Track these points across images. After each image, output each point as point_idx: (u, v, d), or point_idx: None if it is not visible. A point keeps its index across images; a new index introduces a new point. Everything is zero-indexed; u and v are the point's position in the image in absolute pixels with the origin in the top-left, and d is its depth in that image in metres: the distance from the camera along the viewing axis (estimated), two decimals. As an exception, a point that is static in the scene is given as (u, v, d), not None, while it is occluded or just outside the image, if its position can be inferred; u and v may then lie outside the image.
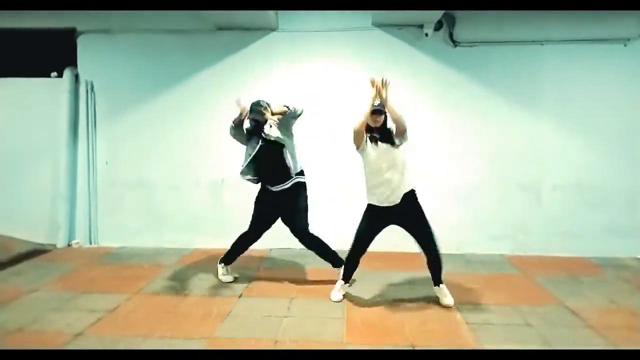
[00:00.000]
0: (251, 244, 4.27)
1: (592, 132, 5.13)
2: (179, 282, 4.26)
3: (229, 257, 4.31)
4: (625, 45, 5.01)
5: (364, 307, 3.71)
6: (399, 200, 3.55)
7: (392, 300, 3.85)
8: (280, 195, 4.03)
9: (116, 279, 4.37)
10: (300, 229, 4.05)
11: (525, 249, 5.20)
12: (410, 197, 3.59)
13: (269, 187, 4.07)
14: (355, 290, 3.99)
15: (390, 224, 3.67)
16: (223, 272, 4.30)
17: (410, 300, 3.80)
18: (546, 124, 5.17)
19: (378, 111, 3.54)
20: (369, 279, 4.26)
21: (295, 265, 4.76)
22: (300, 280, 4.32)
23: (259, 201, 4.20)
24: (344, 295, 3.86)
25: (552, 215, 5.21)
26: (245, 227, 5.35)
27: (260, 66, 5.31)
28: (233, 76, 5.35)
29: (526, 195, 5.23)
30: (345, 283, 3.87)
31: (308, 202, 4.10)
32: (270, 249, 5.24)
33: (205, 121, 5.41)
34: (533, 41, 5.07)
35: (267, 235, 5.25)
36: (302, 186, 4.08)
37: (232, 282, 4.25)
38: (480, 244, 5.22)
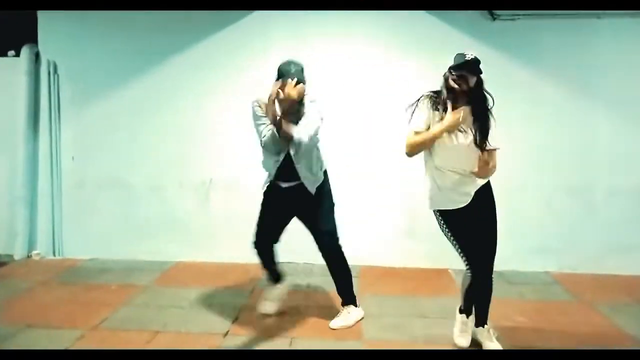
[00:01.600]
0: (272, 246, 3.25)
1: (658, 126, 4.26)
2: (150, 312, 3.41)
3: (270, 275, 3.35)
4: (703, 18, 4.13)
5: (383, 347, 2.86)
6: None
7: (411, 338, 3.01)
8: (294, 193, 3.06)
9: (74, 305, 3.52)
10: (330, 232, 3.11)
11: (574, 266, 4.34)
12: None
13: (282, 184, 3.06)
14: (369, 327, 3.13)
15: None
16: (265, 297, 3.38)
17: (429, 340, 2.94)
18: (602, 115, 4.30)
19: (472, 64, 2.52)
20: (390, 306, 3.43)
21: (297, 288, 3.87)
22: (305, 309, 3.45)
23: (270, 201, 3.17)
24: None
25: (608, 225, 4.34)
26: (236, 235, 4.54)
27: (253, 47, 4.44)
28: (220, 58, 4.51)
29: (577, 201, 4.36)
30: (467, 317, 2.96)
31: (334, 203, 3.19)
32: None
33: (191, 111, 4.59)
34: (589, 14, 4.17)
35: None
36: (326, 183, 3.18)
37: (271, 314, 3.30)
38: (521, 260, 4.34)
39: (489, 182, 2.80)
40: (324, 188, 3.12)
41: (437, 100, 2.63)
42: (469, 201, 2.68)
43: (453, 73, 2.55)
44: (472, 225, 2.68)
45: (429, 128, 2.61)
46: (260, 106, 2.93)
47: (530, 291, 3.89)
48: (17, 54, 4.65)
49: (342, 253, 3.16)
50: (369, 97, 4.36)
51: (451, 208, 2.69)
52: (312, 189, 3.01)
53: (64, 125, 4.70)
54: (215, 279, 4.09)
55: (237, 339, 3.00)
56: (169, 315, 3.34)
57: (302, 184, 3.00)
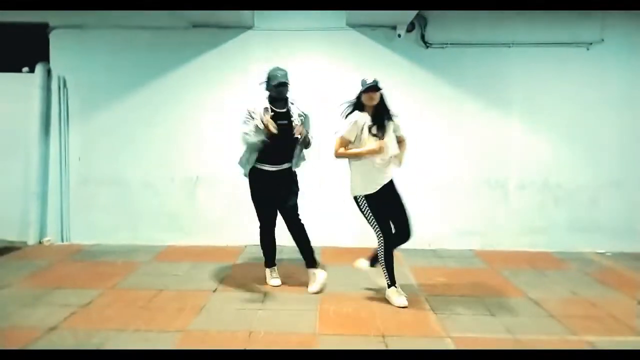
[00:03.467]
0: (273, 232, 4.11)
1: (557, 131, 5.34)
2: (153, 278, 4.27)
3: (268, 259, 4.21)
4: (587, 49, 5.24)
5: (337, 299, 3.80)
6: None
7: (364, 292, 3.95)
8: (279, 175, 3.92)
9: (89, 275, 4.36)
10: (294, 206, 3.97)
11: (493, 245, 5.38)
12: None
13: (268, 168, 3.89)
14: (329, 283, 4.06)
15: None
16: (271, 277, 4.17)
17: (383, 292, 3.91)
18: (514, 124, 5.36)
19: (374, 87, 3.51)
20: (342, 273, 4.36)
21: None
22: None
23: (260, 185, 3.95)
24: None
25: (519, 212, 5.41)
26: (219, 223, 5.46)
27: (235, 65, 5.35)
28: (208, 74, 5.38)
29: (494, 193, 5.41)
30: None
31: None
32: (246, 246, 5.29)
33: (180, 118, 5.44)
34: (501, 43, 5.25)
35: (242, 231, 5.36)
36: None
37: (279, 285, 4.10)
38: (451, 240, 5.38)
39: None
40: (295, 174, 4.06)
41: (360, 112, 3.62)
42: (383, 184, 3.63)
43: (363, 92, 3.56)
44: (388, 203, 3.66)
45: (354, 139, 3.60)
46: (250, 115, 3.78)
47: (454, 262, 4.90)
48: (32, 70, 5.41)
49: (303, 225, 4.00)
50: (327, 102, 5.31)
51: (371, 192, 3.62)
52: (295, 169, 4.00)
53: (72, 131, 5.48)
54: (202, 257, 4.96)
55: (223, 294, 3.91)
56: (168, 280, 4.22)
57: (287, 168, 3.94)
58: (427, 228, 5.26)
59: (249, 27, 5.31)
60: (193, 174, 5.48)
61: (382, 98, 3.63)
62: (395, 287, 3.73)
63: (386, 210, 3.66)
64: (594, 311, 3.64)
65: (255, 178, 3.95)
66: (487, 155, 5.38)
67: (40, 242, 5.44)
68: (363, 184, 3.64)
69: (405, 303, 3.66)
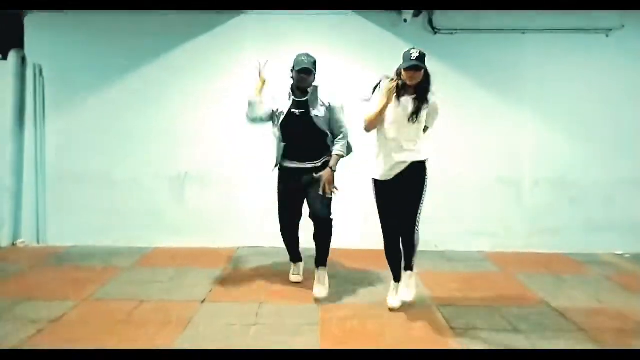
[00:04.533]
0: (297, 227, 3.83)
1: (573, 126, 4.98)
2: (135, 287, 3.85)
3: (292, 255, 4.00)
4: (607, 36, 4.87)
5: (340, 311, 3.40)
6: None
7: (373, 300, 3.57)
8: (305, 174, 3.58)
9: (64, 283, 3.93)
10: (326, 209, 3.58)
11: (505, 246, 5.01)
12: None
13: (290, 165, 3.62)
14: (330, 291, 3.68)
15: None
16: (292, 272, 4.00)
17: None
18: (527, 116, 4.99)
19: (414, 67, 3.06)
20: (344, 280, 3.97)
21: (264, 266, 4.41)
22: (270, 282, 3.98)
23: (280, 183, 3.73)
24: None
25: (532, 211, 5.04)
26: (209, 223, 5.05)
27: (228, 51, 4.93)
28: (197, 62, 4.96)
29: (506, 191, 5.04)
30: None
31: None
32: (238, 248, 4.90)
33: (168, 109, 5.01)
34: (514, 30, 4.86)
35: (234, 232, 4.97)
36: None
37: (300, 282, 3.92)
38: (460, 241, 5.00)
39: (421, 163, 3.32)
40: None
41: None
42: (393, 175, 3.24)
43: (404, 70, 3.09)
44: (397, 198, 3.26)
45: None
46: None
47: (464, 266, 4.53)
48: (4, 58, 4.97)
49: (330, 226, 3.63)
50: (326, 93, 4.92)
51: (378, 178, 3.28)
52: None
53: (49, 123, 5.05)
54: (190, 261, 4.55)
55: (213, 305, 3.51)
56: (152, 289, 3.80)
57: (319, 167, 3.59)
58: (434, 228, 4.81)
59: (242, 11, 4.88)
60: (181, 169, 5.07)
61: (427, 77, 3.18)
62: (398, 282, 3.42)
63: (393, 203, 3.29)
64: (627, 324, 3.27)
65: (278, 175, 3.75)
66: (498, 150, 5.00)
67: (13, 244, 5.01)
68: (375, 166, 3.32)
69: (394, 305, 3.38)
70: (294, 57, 3.52)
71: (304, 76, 3.45)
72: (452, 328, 3.14)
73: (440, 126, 4.96)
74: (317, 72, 3.54)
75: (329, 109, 3.53)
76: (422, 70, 3.10)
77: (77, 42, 4.99)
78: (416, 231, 3.27)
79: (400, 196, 3.25)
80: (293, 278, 3.97)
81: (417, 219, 3.25)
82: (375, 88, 3.26)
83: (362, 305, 3.52)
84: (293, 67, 3.49)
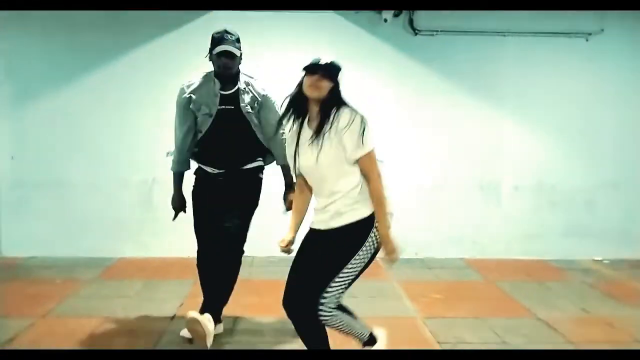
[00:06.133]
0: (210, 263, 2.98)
1: (553, 130, 4.92)
2: (98, 301, 3.58)
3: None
4: (587, 40, 4.83)
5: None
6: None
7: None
8: (226, 181, 2.86)
9: (20, 298, 3.62)
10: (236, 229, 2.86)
11: (485, 253, 4.91)
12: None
13: (211, 171, 2.89)
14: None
15: None
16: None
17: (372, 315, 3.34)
18: (507, 120, 4.91)
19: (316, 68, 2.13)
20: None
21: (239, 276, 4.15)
22: (247, 294, 3.73)
23: (201, 195, 2.98)
24: None
25: (512, 217, 4.96)
26: (179, 231, 4.71)
27: (197, 51, 4.63)
28: (165, 61, 4.67)
29: (486, 196, 4.94)
30: None
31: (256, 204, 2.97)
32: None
33: (133, 111, 4.72)
34: (496, 32, 4.78)
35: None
36: (260, 172, 2.98)
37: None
38: (440, 248, 4.87)
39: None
40: (252, 181, 3.04)
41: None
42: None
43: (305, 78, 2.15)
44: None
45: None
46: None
47: (446, 274, 4.40)
48: (-47, 53, 4.60)
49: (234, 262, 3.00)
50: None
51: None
52: None
53: (3, 124, 4.69)
54: (159, 272, 4.29)
55: (183, 322, 3.24)
56: (116, 304, 3.52)
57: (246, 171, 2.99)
58: (413, 235, 4.72)
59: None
60: (148, 175, 4.76)
61: (334, 91, 2.16)
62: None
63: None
64: (615, 334, 3.19)
65: (195, 182, 3.03)
66: (478, 154, 4.90)
67: (-36, 256, 4.63)
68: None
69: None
70: (212, 34, 2.75)
71: (226, 61, 2.69)
72: (439, 343, 2.98)
73: (420, 129, 4.90)
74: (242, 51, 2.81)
75: (263, 100, 2.87)
76: (329, 82, 2.13)
77: (35, 38, 4.65)
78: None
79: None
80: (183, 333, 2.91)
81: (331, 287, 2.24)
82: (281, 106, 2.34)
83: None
84: (210, 48, 2.70)
